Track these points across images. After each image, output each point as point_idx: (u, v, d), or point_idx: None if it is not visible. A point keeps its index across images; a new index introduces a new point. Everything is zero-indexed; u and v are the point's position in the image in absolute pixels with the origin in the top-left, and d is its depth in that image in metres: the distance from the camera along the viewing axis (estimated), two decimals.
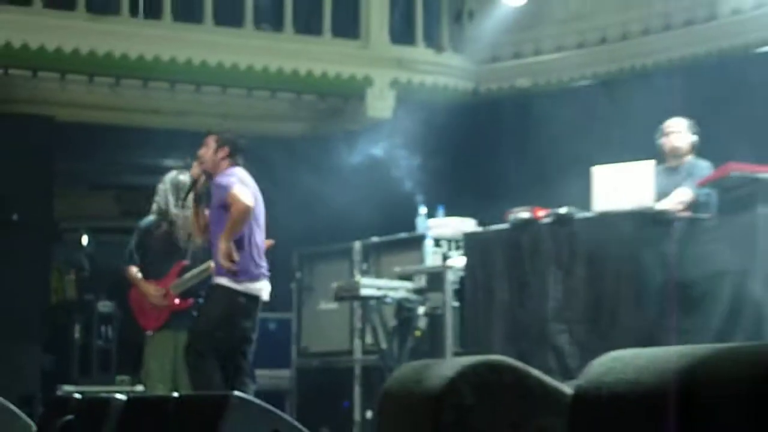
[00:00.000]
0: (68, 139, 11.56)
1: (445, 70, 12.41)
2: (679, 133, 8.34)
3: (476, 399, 3.22)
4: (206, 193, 7.76)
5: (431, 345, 9.04)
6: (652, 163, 7.98)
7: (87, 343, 11.68)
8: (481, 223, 9.29)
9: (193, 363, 7.40)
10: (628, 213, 7.72)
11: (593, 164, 8.16)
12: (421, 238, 9.83)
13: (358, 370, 10.43)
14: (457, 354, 8.61)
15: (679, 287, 7.55)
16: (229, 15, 11.69)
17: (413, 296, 9.23)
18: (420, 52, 12.33)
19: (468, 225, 9.51)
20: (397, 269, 9.58)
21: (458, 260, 9.07)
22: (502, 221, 8.53)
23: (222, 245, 7.28)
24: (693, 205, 7.94)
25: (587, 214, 8.01)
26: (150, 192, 8.62)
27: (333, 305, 10.33)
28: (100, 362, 11.59)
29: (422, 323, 9.20)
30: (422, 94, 12.21)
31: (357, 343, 10.54)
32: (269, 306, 9.40)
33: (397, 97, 12.08)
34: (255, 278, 7.47)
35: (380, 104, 12.06)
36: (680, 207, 7.92)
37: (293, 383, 11.27)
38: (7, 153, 10.94)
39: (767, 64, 10.01)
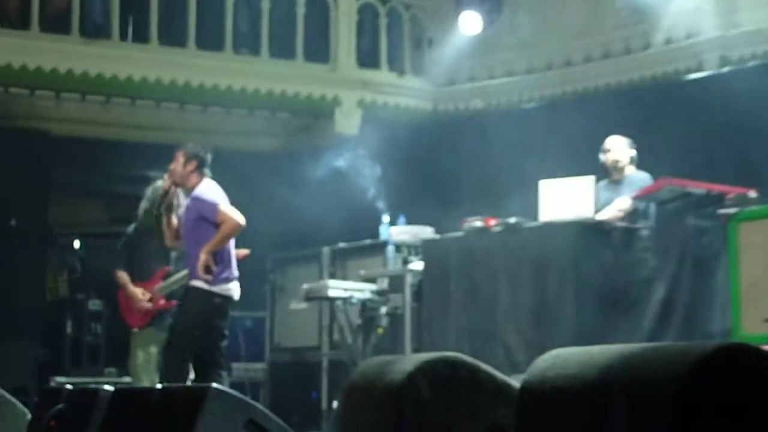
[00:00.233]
0: (63, 151, 11.50)
1: (406, 92, 12.42)
2: (618, 149, 8.37)
3: (433, 392, 3.22)
4: (177, 203, 7.75)
5: (392, 342, 9.03)
6: (592, 178, 8.01)
7: (78, 338, 11.62)
8: (438, 231, 9.28)
9: (170, 357, 7.37)
10: (571, 223, 7.74)
11: (540, 178, 8.18)
12: (383, 244, 9.82)
13: (325, 364, 10.39)
14: (415, 350, 8.60)
15: (615, 290, 7.58)
16: (210, 40, 11.67)
17: (376, 297, 9.22)
18: (384, 75, 12.34)
19: (426, 232, 9.50)
20: (362, 272, 9.57)
21: (417, 265, 9.06)
22: (458, 229, 8.53)
23: (203, 257, 7.26)
24: (633, 214, 7.97)
25: (534, 224, 8.03)
26: (137, 200, 8.60)
27: (303, 305, 10.29)
28: (89, 355, 11.52)
29: (384, 322, 9.18)
30: (386, 114, 12.22)
31: (325, 339, 10.50)
32: (246, 305, 9.42)
33: (363, 115, 12.09)
34: (227, 281, 7.46)
35: (347, 122, 12.06)
36: (620, 214, 7.94)
37: (267, 375, 11.24)
38: (6, 164, 10.89)
39: (696, 88, 10.06)
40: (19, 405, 6.91)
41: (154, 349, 8.24)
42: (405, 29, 12.55)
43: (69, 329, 11.62)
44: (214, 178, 7.63)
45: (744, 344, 2.23)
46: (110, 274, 8.70)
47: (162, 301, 8.28)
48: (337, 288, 9.23)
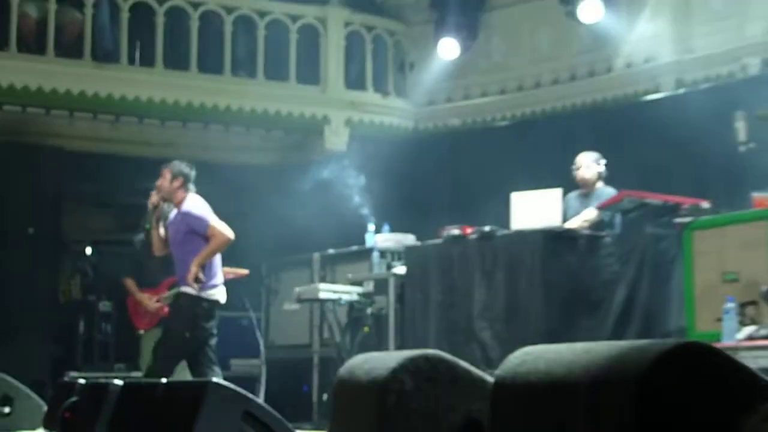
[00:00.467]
0: (75, 166, 11.46)
1: (390, 111, 12.42)
2: (586, 166, 8.39)
3: (415, 386, 3.21)
4: (164, 216, 7.71)
5: (377, 340, 9.02)
6: (559, 190, 8.02)
7: (90, 337, 11.55)
8: (419, 238, 9.28)
9: (160, 356, 7.33)
10: (540, 231, 7.75)
11: (511, 191, 8.20)
12: (369, 251, 9.81)
13: (316, 360, 10.38)
14: (398, 347, 8.59)
15: (581, 292, 7.59)
16: (210, 64, 11.66)
17: (363, 299, 9.20)
18: (370, 96, 12.33)
19: (408, 240, 9.50)
20: (350, 276, 9.56)
21: (400, 269, 9.06)
22: (437, 237, 8.54)
23: (193, 268, 7.23)
24: (598, 224, 7.98)
25: (506, 232, 8.04)
26: (143, 210, 8.58)
27: (295, 306, 10.28)
28: (100, 352, 11.45)
29: (370, 321, 9.16)
30: (371, 131, 12.22)
31: (315, 337, 10.49)
32: (242, 306, 9.39)
33: (351, 133, 12.08)
34: (214, 287, 7.43)
35: (336, 139, 12.06)
36: (586, 224, 7.96)
37: (262, 371, 11.21)
38: (24, 177, 10.87)
39: (654, 109, 10.10)
40: (36, 397, 6.90)
41: None
42: (389, 54, 12.55)
43: (81, 328, 11.55)
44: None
45: (699, 342, 2.24)
46: (119, 279, 8.74)
47: (167, 309, 8.28)
48: (326, 290, 9.22)
